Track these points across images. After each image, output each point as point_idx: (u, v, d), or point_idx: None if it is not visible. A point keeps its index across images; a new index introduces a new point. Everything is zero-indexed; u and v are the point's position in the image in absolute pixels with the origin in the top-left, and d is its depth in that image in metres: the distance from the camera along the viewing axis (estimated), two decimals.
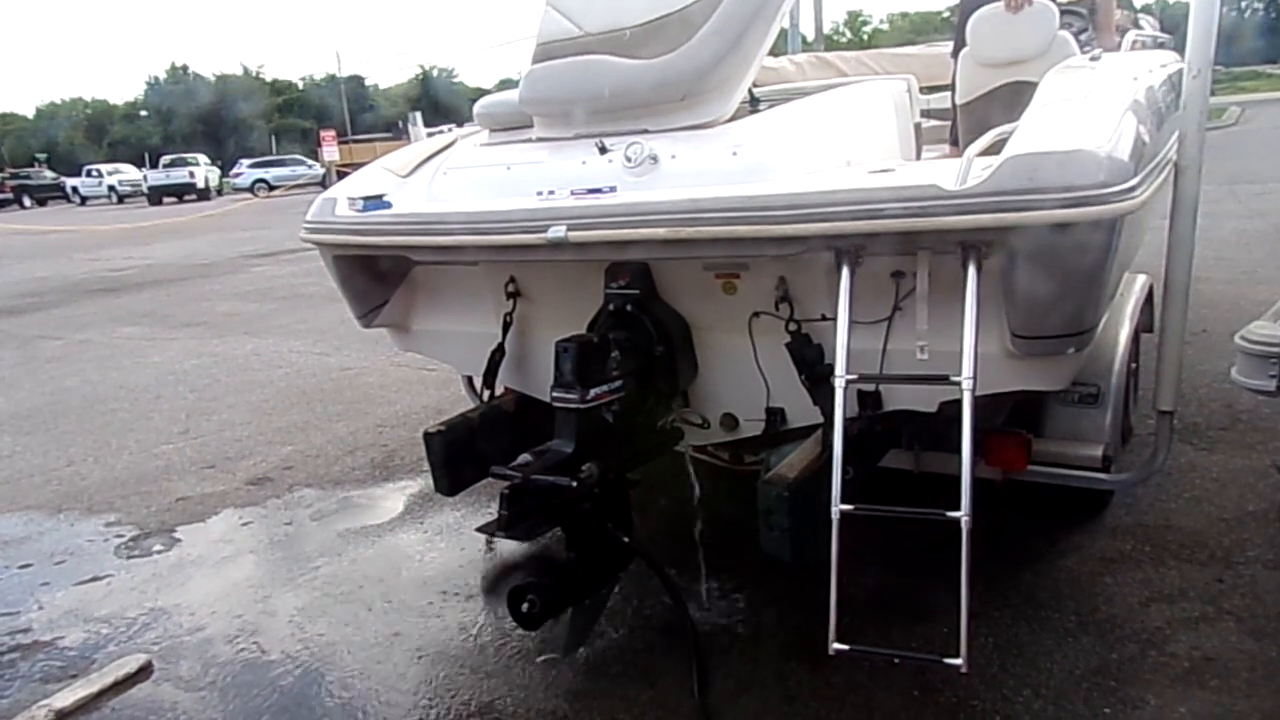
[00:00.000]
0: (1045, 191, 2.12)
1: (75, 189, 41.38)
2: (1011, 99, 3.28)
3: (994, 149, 2.37)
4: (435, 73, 70.42)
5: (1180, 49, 2.85)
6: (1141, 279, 3.64)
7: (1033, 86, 2.77)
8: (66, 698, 2.87)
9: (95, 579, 3.76)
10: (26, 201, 39.92)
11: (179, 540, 4.07)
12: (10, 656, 3.19)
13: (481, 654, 2.99)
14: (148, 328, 9.25)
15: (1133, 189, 2.19)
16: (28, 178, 42.77)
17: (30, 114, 76.16)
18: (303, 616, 3.31)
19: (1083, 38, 3.76)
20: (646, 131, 2.80)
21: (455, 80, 68.47)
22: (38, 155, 53.87)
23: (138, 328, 9.28)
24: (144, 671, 3.03)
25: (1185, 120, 2.72)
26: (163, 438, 5.51)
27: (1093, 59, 3.04)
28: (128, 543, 4.08)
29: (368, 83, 69.47)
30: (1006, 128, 2.45)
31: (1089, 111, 2.42)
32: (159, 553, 3.96)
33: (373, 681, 2.88)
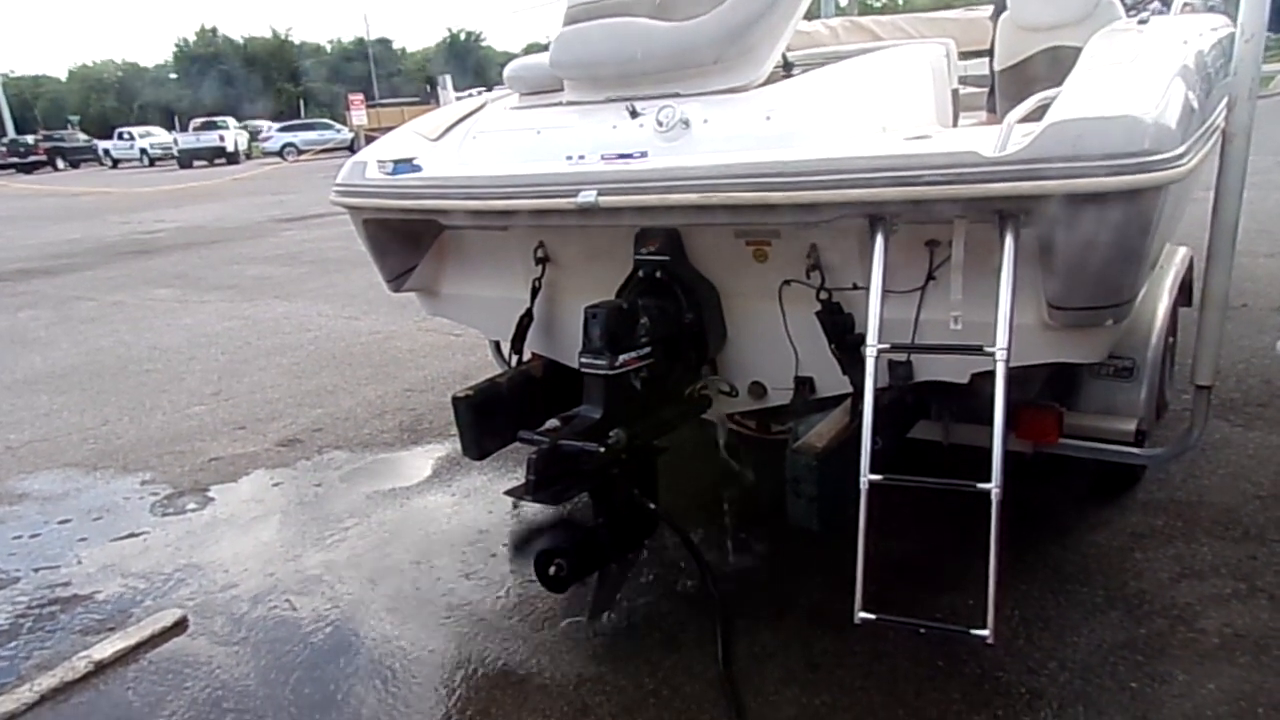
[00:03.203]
0: (1088, 159, 2.06)
1: (107, 151, 41.84)
2: (1053, 64, 3.19)
3: (1035, 115, 2.31)
4: (463, 36, 70.03)
5: (1232, 13, 2.76)
6: (1182, 251, 3.55)
7: (1076, 51, 2.68)
8: (105, 649, 2.96)
9: (132, 535, 3.84)
10: (60, 164, 40.24)
11: (212, 499, 4.15)
12: (51, 609, 3.28)
13: (508, 616, 3.02)
14: (179, 290, 9.36)
15: (1179, 157, 2.13)
16: (61, 140, 43.02)
17: (63, 76, 76.97)
18: (332, 575, 3.37)
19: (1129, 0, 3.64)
20: (678, 95, 2.75)
21: (483, 44, 68.10)
22: (70, 118, 54.43)
23: (170, 290, 9.40)
24: (179, 626, 3.11)
25: (1236, 85, 2.63)
26: (195, 398, 5.60)
27: (1140, 22, 2.94)
28: (162, 500, 4.16)
29: (395, 46, 69.38)
30: (1048, 93, 2.38)
31: (1135, 76, 2.34)
32: (193, 511, 4.04)
33: (401, 640, 2.93)
